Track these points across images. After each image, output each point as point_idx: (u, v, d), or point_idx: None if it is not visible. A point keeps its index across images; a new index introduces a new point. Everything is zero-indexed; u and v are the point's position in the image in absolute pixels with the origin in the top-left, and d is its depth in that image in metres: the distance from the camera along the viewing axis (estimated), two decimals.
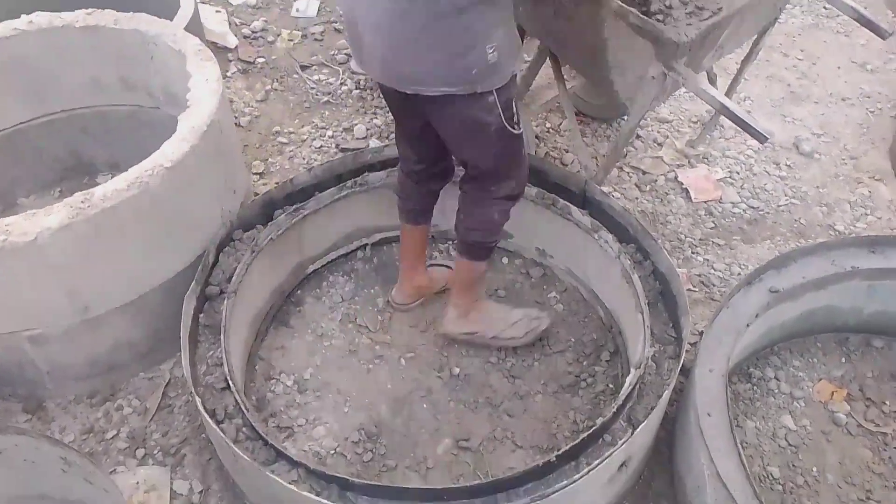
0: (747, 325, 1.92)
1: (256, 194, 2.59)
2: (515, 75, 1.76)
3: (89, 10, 2.40)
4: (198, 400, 1.72)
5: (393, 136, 2.21)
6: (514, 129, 1.78)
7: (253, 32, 3.60)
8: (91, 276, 1.90)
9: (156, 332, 2.12)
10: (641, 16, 1.93)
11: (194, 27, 2.79)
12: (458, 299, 2.14)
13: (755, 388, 2.14)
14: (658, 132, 3.09)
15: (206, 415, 1.69)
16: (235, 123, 3.08)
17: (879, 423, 2.08)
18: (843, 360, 2.23)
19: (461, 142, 1.84)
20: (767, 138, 1.87)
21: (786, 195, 2.82)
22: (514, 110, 1.77)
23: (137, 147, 2.24)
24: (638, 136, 3.05)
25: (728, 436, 1.67)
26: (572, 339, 2.27)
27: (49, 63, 2.42)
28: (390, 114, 2.12)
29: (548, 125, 3.11)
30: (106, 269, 1.91)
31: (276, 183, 2.67)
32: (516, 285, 2.44)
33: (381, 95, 1.99)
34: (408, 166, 2.08)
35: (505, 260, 2.51)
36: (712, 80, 2.73)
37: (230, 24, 3.60)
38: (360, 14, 1.65)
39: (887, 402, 2.12)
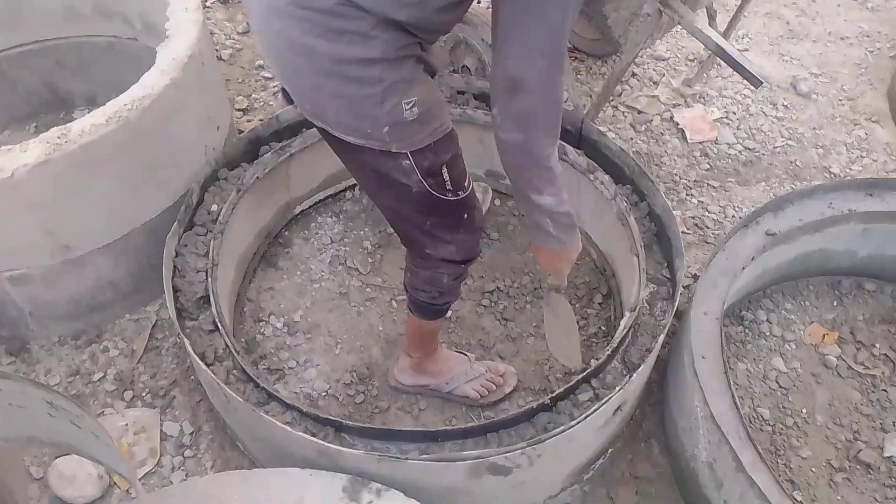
0: (742, 268, 1.90)
1: (241, 131, 2.50)
2: (448, 136, 1.43)
3: None
4: (186, 342, 1.69)
5: None
6: (444, 196, 1.45)
7: None
8: (71, 214, 1.83)
9: (140, 272, 2.07)
10: None
11: None
12: (410, 350, 1.91)
13: (747, 330, 2.14)
14: (654, 70, 3.01)
15: (195, 357, 1.66)
16: (217, 57, 2.96)
17: (869, 365, 2.09)
18: (835, 303, 2.23)
19: (376, 193, 1.55)
20: (762, 83, 1.82)
21: (782, 136, 2.77)
22: (447, 177, 1.44)
23: (115, 80, 2.14)
24: (633, 75, 2.97)
25: (722, 378, 1.67)
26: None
27: None
28: None
29: None
30: (86, 207, 1.84)
31: (261, 120, 2.57)
32: (509, 228, 2.40)
33: None
34: None
35: (498, 202, 2.46)
36: (712, 17, 2.64)
37: None
38: (259, 30, 1.37)
39: (877, 345, 2.13)
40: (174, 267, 1.87)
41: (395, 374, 1.98)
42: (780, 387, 2.03)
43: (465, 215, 1.54)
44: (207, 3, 3.21)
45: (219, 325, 1.76)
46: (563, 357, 1.87)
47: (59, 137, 1.70)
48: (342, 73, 1.28)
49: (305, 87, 1.35)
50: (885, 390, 2.04)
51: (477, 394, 1.93)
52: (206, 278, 1.85)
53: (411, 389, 1.98)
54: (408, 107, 1.32)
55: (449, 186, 1.46)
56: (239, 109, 2.77)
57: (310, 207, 2.40)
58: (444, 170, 1.44)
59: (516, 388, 2.00)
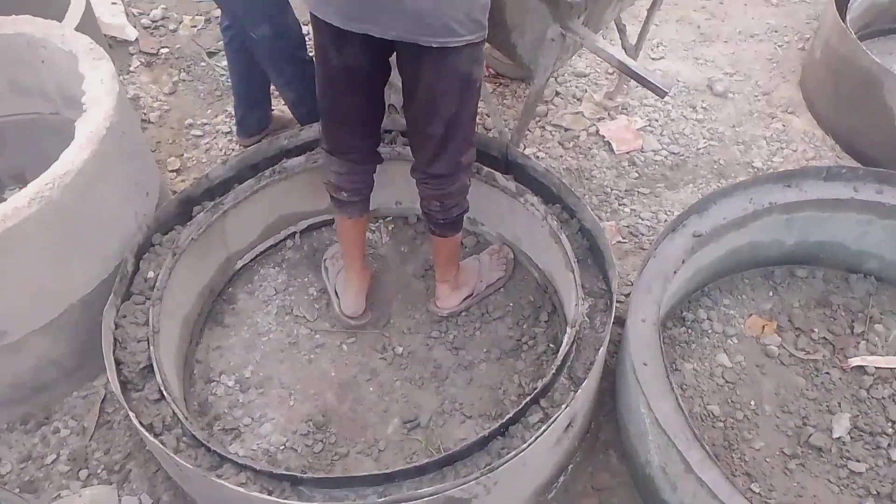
0: (674, 272, 1.96)
1: (175, 192, 2.50)
2: None
3: None
4: (132, 415, 1.67)
5: None
6: (482, 82, 1.83)
7: (153, 22, 3.45)
8: (2, 300, 1.80)
9: (82, 348, 2.04)
10: None
11: (88, 23, 2.65)
12: (446, 276, 2.18)
13: (689, 330, 2.20)
14: (576, 87, 3.09)
15: (142, 429, 1.64)
16: (144, 119, 2.96)
17: (810, 350, 2.16)
18: (771, 293, 2.31)
19: (452, 100, 1.76)
20: (667, 93, 1.89)
21: (704, 137, 2.87)
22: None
23: (43, 156, 2.11)
24: (557, 94, 3.05)
25: (664, 381, 1.71)
26: (510, 304, 2.28)
27: None
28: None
29: None
30: (18, 291, 1.82)
31: (195, 179, 2.58)
32: None
33: (331, 73, 1.79)
34: (350, 147, 1.96)
35: None
36: (622, 31, 2.74)
37: (128, 14, 3.44)
38: None
39: (815, 330, 2.21)
40: (115, 339, 1.85)
41: (441, 305, 2.23)
42: (727, 382, 2.09)
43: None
44: (131, 68, 3.21)
45: (164, 393, 1.75)
46: None
47: None
48: None
49: (449, 4, 1.59)
50: (827, 373, 2.10)
51: (503, 271, 2.29)
52: (148, 347, 1.84)
53: (461, 307, 2.24)
54: None
55: (486, 73, 1.83)
56: (172, 170, 2.77)
57: (251, 261, 2.41)
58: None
59: (471, 415, 2.02)
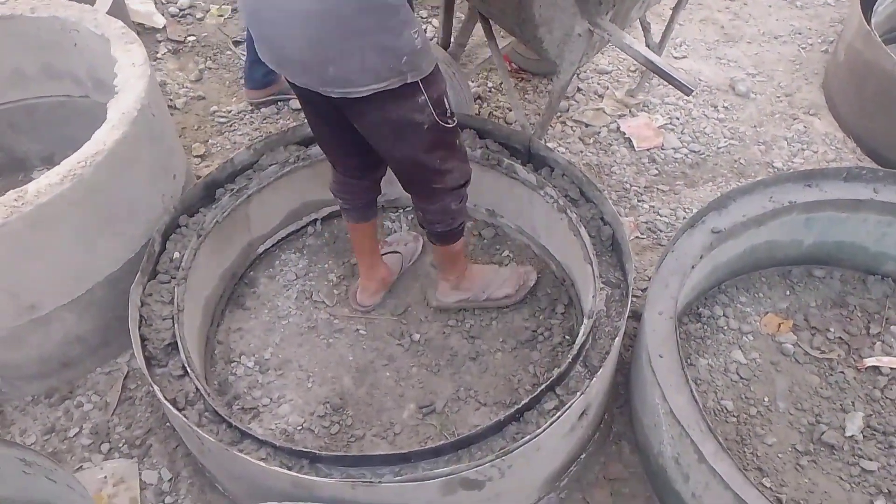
0: (692, 267, 1.97)
1: (199, 177, 2.54)
2: (437, 66, 1.64)
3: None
4: (156, 389, 1.71)
5: None
6: (447, 123, 1.70)
7: (180, 10, 3.50)
8: (33, 274, 1.85)
9: (107, 325, 2.09)
10: None
11: (117, 10, 2.70)
12: (445, 275, 2.18)
13: (705, 326, 2.21)
14: (598, 84, 3.11)
15: (166, 403, 1.68)
16: (170, 106, 3.01)
17: (825, 349, 2.17)
18: (787, 292, 2.31)
19: (392, 144, 1.73)
20: (692, 90, 1.90)
21: (724, 137, 2.88)
22: (447, 105, 1.69)
23: (71, 138, 2.17)
24: (579, 90, 3.07)
25: (679, 373, 1.73)
26: (527, 295, 2.31)
27: None
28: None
29: (489, 84, 3.11)
30: (48, 266, 1.87)
31: (220, 163, 2.62)
32: (469, 247, 2.46)
33: (301, 101, 1.83)
34: (344, 167, 2.00)
35: None
36: (647, 29, 2.75)
37: (156, 2, 3.49)
38: (265, 8, 1.49)
39: (831, 329, 2.21)
40: (140, 317, 1.90)
41: (436, 297, 2.23)
42: (742, 378, 2.10)
43: (457, 141, 1.81)
44: (158, 55, 3.26)
45: (188, 369, 1.79)
46: None
47: (15, 200, 1.73)
48: (368, 12, 1.45)
49: (328, 41, 1.47)
50: (842, 372, 2.11)
51: (512, 289, 2.23)
52: (173, 325, 1.88)
53: (454, 305, 2.24)
54: (415, 36, 1.53)
55: (449, 113, 1.70)
56: (197, 156, 2.81)
57: (273, 246, 2.45)
58: (445, 98, 1.68)
59: (486, 402, 2.04)
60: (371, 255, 2.22)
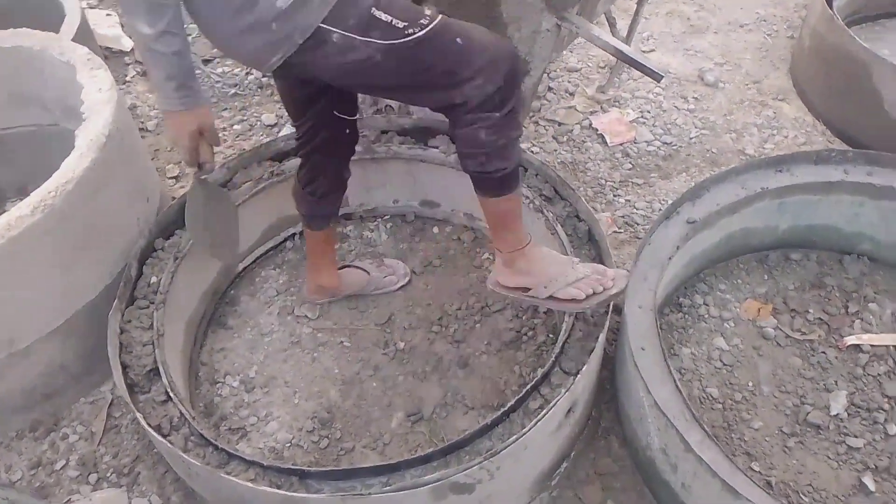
0: (669, 259, 1.99)
1: (174, 199, 2.53)
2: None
3: None
4: (139, 416, 1.70)
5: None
6: (407, 36, 1.37)
7: None
8: (9, 308, 1.84)
9: (89, 354, 2.07)
10: None
11: (83, 35, 2.69)
12: (497, 244, 1.80)
13: (686, 316, 2.23)
14: (569, 82, 3.13)
15: (150, 430, 1.67)
16: (142, 128, 3.00)
17: (805, 331, 2.19)
18: (766, 276, 2.33)
19: (374, 88, 1.57)
20: (662, 76, 1.92)
21: (696, 127, 2.90)
22: (387, 17, 1.37)
23: (44, 167, 2.14)
24: (550, 89, 3.09)
25: (662, 365, 1.74)
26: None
27: None
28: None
29: None
30: (24, 299, 1.85)
31: None
32: (450, 252, 2.47)
33: None
34: (315, 136, 1.92)
35: (436, 229, 2.53)
36: (612, 24, 2.77)
37: (122, 25, 3.47)
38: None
39: (810, 311, 2.23)
40: (120, 343, 1.88)
41: (493, 278, 1.87)
42: (725, 364, 2.11)
43: (458, 40, 1.41)
44: (128, 78, 3.25)
45: (171, 394, 1.78)
46: (216, 253, 2.02)
47: None
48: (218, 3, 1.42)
49: (232, 48, 1.52)
50: (823, 352, 2.13)
51: (582, 293, 1.74)
52: (154, 350, 1.87)
53: (511, 293, 1.84)
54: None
55: (400, 25, 1.37)
56: (171, 177, 2.80)
57: (252, 263, 2.44)
58: (378, 13, 1.37)
59: (473, 406, 2.04)
60: (317, 259, 2.20)
